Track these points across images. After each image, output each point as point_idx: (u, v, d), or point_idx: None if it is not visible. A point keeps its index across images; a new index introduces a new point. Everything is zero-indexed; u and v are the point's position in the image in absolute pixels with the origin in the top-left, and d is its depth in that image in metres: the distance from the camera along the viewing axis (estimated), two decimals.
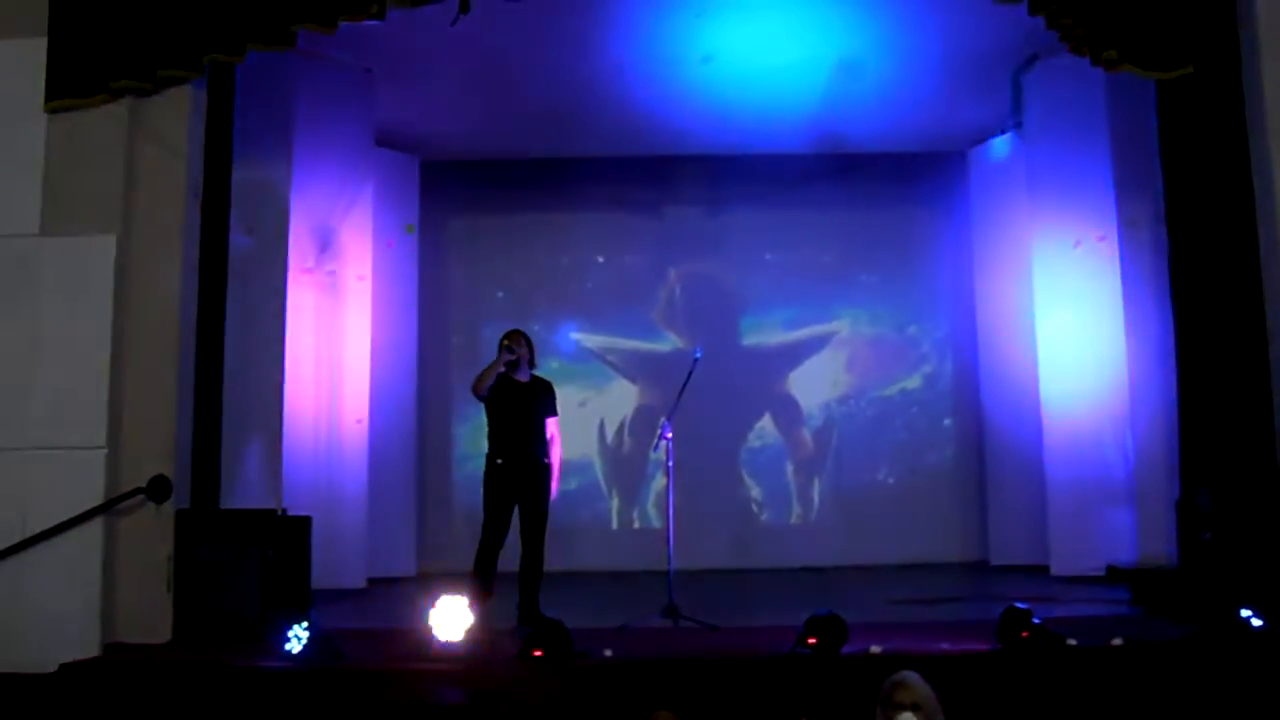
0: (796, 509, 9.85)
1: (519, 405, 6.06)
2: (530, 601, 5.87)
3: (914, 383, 9.99)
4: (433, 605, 4.78)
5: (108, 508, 5.21)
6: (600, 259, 10.18)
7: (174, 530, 5.34)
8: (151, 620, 5.24)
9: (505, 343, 6.07)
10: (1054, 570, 7.68)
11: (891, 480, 9.84)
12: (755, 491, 9.87)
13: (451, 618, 4.75)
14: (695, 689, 4.39)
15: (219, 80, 5.88)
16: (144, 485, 5.25)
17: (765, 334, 10.02)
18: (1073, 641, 4.61)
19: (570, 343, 10.00)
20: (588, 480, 9.82)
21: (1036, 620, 4.63)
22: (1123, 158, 7.32)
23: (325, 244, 8.23)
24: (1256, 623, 4.68)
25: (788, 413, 9.95)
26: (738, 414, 9.87)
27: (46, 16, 5.55)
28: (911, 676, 3.24)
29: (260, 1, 5.50)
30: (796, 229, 9.98)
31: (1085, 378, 7.68)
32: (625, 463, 9.85)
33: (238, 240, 6.39)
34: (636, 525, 9.80)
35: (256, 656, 4.78)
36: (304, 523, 5.73)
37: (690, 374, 6.27)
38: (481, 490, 6.07)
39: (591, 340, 10.04)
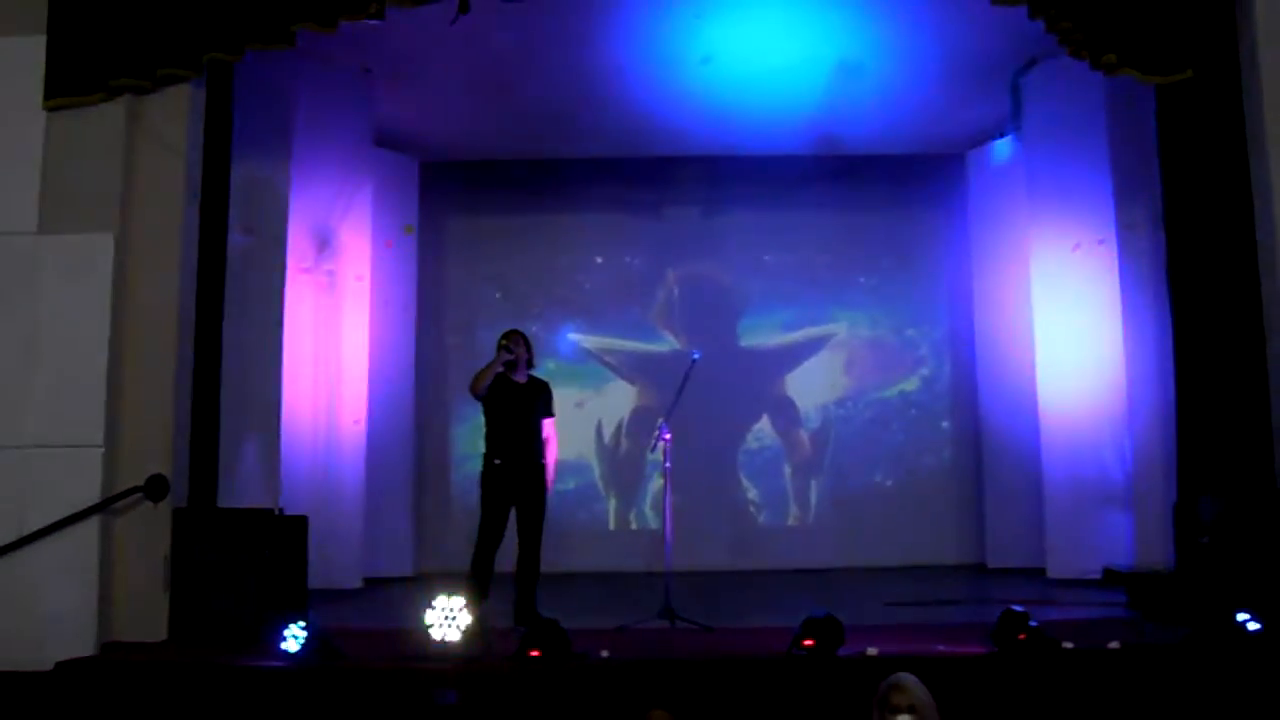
0: (794, 510, 9.85)
1: (517, 406, 6.06)
2: (527, 602, 5.87)
3: (912, 385, 9.99)
4: (430, 605, 4.78)
5: (105, 506, 5.21)
6: (599, 260, 10.17)
7: (171, 529, 5.34)
8: (148, 619, 5.25)
9: (503, 343, 6.07)
10: (1051, 573, 7.67)
11: (889, 482, 9.84)
12: (752, 493, 9.86)
13: (449, 618, 4.75)
14: (692, 690, 4.40)
15: (218, 79, 5.88)
16: (141, 484, 5.25)
17: (763, 335, 10.01)
18: (1069, 644, 4.62)
19: (568, 343, 9.99)
20: (585, 481, 9.82)
21: (1033, 623, 4.63)
22: (1121, 161, 7.33)
23: (324, 244, 8.24)
24: (1253, 626, 4.68)
25: (785, 414, 9.94)
26: (736, 415, 9.86)
27: (46, 14, 5.55)
28: (908, 679, 3.24)
29: (260, 1, 5.51)
30: (795, 230, 9.97)
31: (1083, 381, 7.68)
32: (623, 464, 9.84)
33: (236, 240, 6.40)
34: (634, 526, 9.80)
35: (253, 656, 4.78)
36: (301, 522, 5.72)
37: (688, 375, 6.27)
38: (479, 490, 6.07)
39: (589, 341, 10.04)
